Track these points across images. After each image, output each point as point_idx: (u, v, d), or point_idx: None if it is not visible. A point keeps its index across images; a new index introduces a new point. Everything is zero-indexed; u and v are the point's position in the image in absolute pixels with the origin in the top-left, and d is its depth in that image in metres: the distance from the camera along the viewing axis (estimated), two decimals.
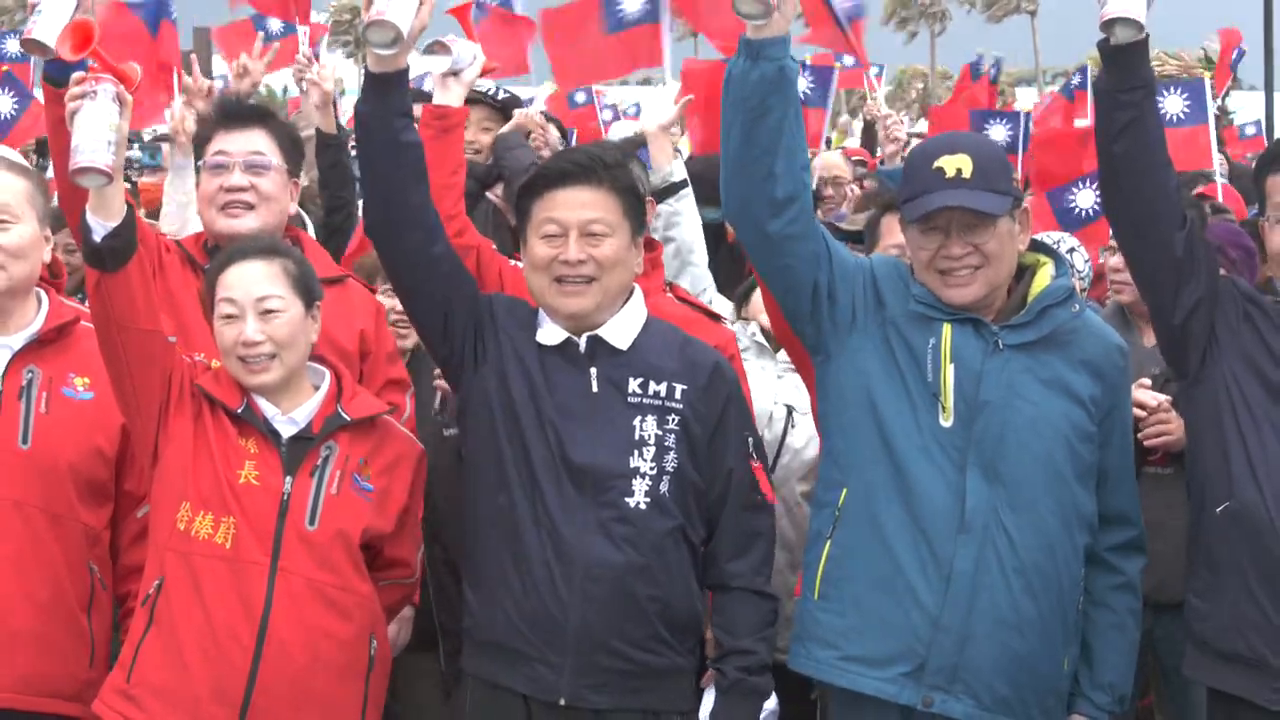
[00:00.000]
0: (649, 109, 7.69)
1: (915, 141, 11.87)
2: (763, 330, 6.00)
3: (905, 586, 4.33)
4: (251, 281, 4.40)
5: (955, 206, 4.31)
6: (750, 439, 4.63)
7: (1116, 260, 5.68)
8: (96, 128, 4.11)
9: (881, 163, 9.32)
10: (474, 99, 8.43)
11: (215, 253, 4.70)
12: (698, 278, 6.46)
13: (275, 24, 13.02)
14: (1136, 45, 4.21)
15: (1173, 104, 10.75)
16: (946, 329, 4.37)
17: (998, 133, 8.76)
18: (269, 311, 4.38)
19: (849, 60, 17.56)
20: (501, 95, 8.78)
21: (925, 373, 4.38)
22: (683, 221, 6.48)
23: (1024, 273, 4.48)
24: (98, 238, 4.15)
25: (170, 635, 4.34)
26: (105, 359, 4.41)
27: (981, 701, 4.32)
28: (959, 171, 4.34)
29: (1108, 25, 4.16)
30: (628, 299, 4.54)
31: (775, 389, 5.73)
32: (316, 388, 4.55)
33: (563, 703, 4.35)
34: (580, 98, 17.55)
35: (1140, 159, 4.36)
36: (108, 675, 4.54)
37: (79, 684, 4.67)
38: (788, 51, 4.22)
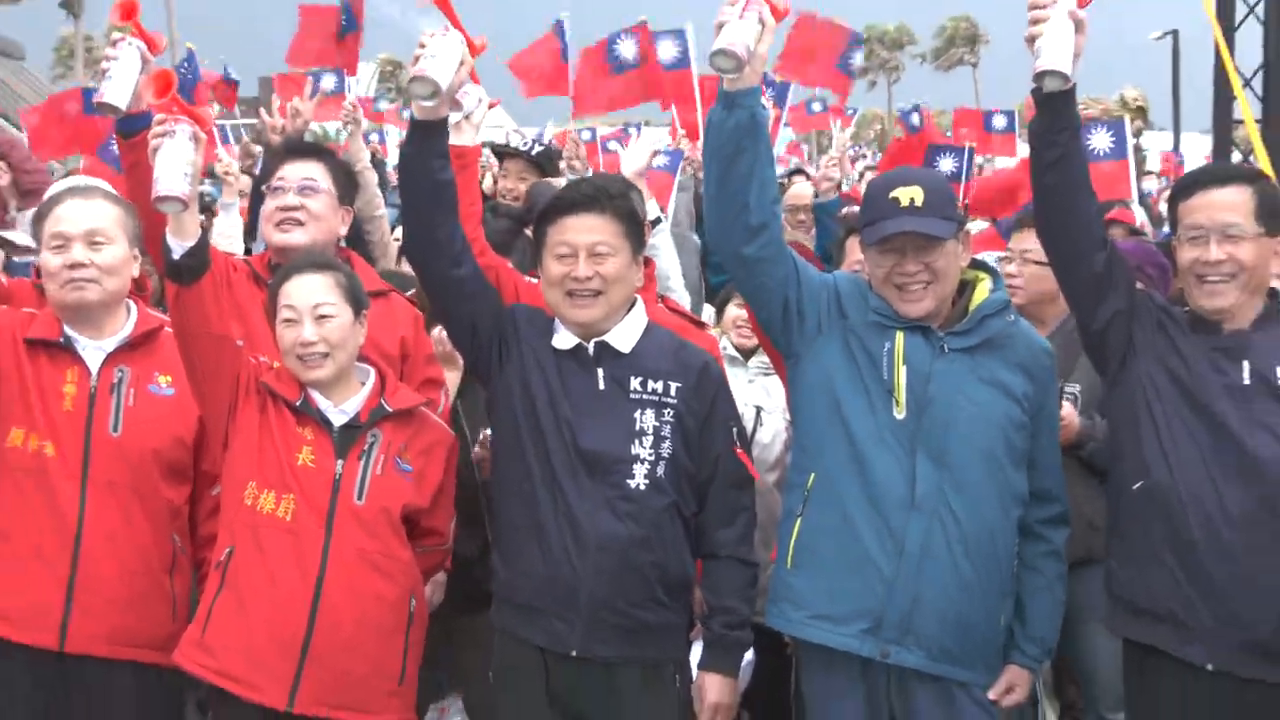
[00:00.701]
0: (627, 158, 7.71)
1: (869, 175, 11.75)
2: (733, 344, 6.03)
3: (865, 556, 4.29)
4: (308, 291, 4.37)
5: (909, 231, 4.28)
6: (735, 428, 4.61)
7: (1011, 268, 5.57)
8: (175, 162, 4.14)
9: (816, 196, 9.26)
10: (514, 154, 8.60)
11: (276, 269, 4.66)
12: (679, 300, 6.44)
13: (329, 80, 12.99)
14: (1064, 94, 4.20)
15: (1099, 140, 10.69)
16: (900, 336, 4.35)
17: (947, 164, 8.65)
18: (323, 317, 4.35)
19: (817, 107, 17.61)
20: (536, 150, 8.73)
21: (881, 372, 4.35)
22: (660, 254, 6.45)
23: (965, 287, 4.46)
24: (176, 256, 4.17)
25: (239, 595, 4.32)
26: (183, 360, 4.41)
27: (930, 653, 4.27)
28: (912, 201, 4.32)
29: (1039, 77, 4.14)
30: (630, 309, 4.51)
31: (745, 393, 5.65)
32: (363, 384, 4.52)
33: (574, 654, 4.33)
34: (585, 135, 17.81)
35: (1066, 190, 4.36)
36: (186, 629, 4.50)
37: (163, 636, 4.57)
38: (758, 100, 4.25)
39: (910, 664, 4.29)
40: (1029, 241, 5.44)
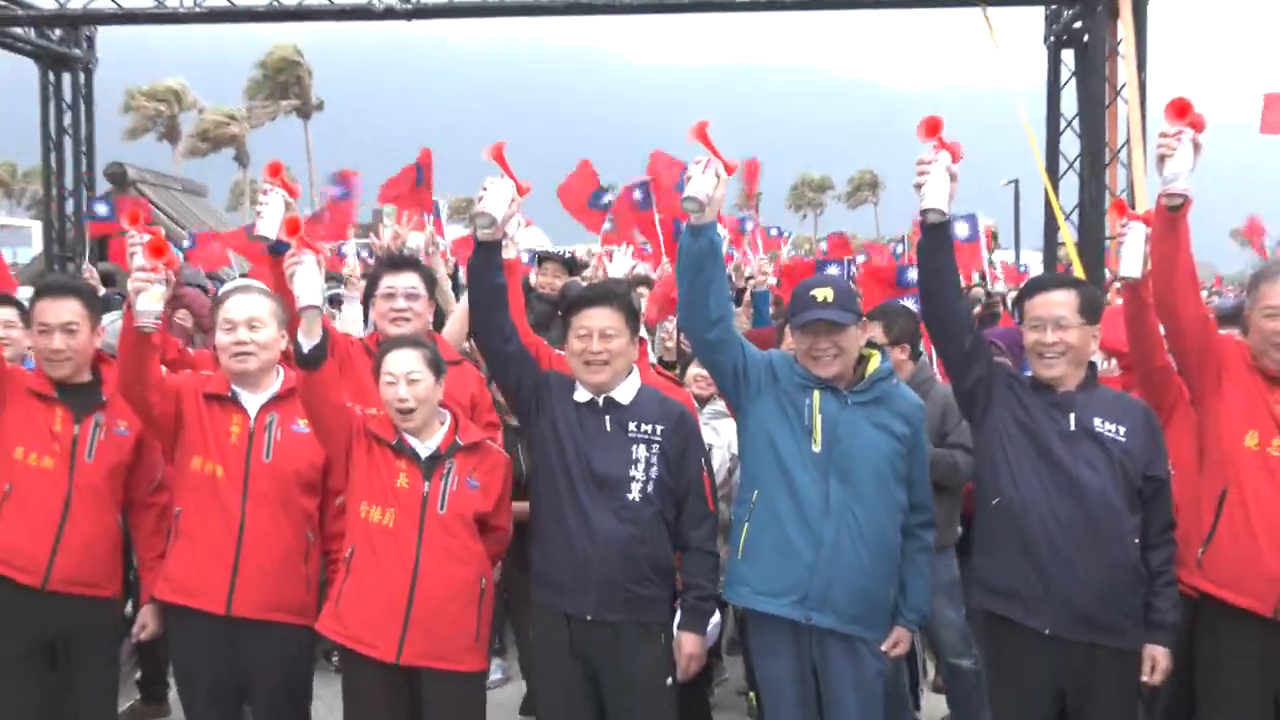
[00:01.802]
0: (612, 269, 8.03)
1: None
2: (692, 394, 5.95)
3: (793, 549, 4.30)
4: (404, 362, 4.37)
5: (823, 319, 4.32)
6: (701, 458, 4.61)
7: None
8: (309, 282, 4.20)
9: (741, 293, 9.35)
10: (551, 258, 8.77)
11: (381, 345, 4.63)
12: None
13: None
14: (943, 224, 4.23)
15: (959, 229, 10.76)
16: (816, 393, 4.38)
17: (834, 269, 8.68)
18: (414, 380, 4.35)
19: (774, 231, 17.53)
20: (567, 256, 8.91)
21: (804, 419, 4.37)
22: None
23: (863, 359, 4.48)
24: (305, 351, 4.20)
25: (360, 581, 4.33)
26: (309, 419, 4.44)
27: (841, 618, 4.29)
28: (825, 298, 4.36)
29: (924, 213, 4.18)
30: (629, 374, 4.53)
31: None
32: (442, 424, 4.50)
33: (590, 618, 4.35)
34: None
35: (944, 291, 4.38)
36: (320, 604, 4.54)
37: (299, 604, 4.57)
38: (716, 231, 4.30)
39: (826, 625, 4.28)
40: None
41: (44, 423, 4.59)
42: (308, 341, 4.19)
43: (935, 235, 4.26)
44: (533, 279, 8.37)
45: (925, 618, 4.69)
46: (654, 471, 4.38)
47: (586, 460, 4.36)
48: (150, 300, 4.30)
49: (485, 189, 4.36)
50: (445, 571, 4.32)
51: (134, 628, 4.77)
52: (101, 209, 11.67)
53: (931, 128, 4.16)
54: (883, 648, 4.40)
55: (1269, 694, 4.19)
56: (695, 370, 6.09)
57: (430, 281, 5.44)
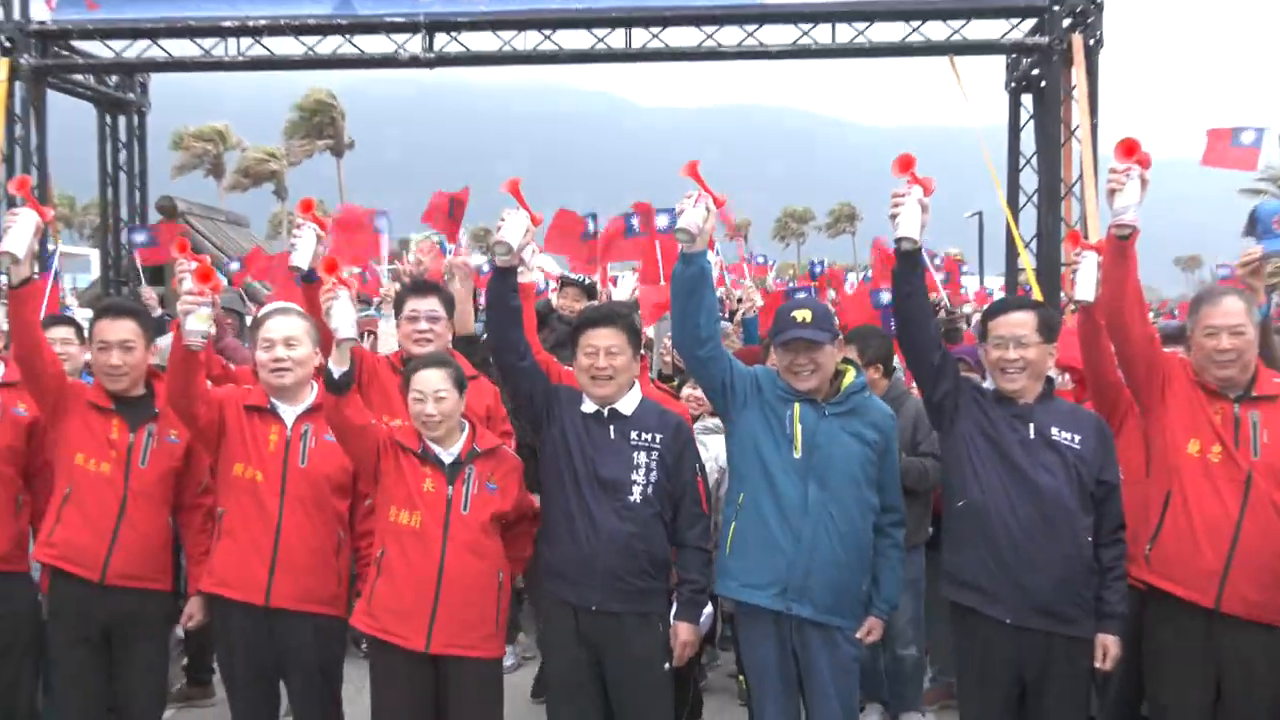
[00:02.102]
0: (616, 293, 8.11)
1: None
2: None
3: (776, 545, 4.30)
4: (431, 380, 4.37)
5: (802, 338, 4.33)
6: (696, 464, 4.61)
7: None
8: (344, 314, 4.20)
9: (734, 314, 9.31)
10: (571, 283, 8.78)
11: (407, 363, 4.64)
12: None
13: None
14: (915, 251, 4.24)
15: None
16: (797, 405, 4.38)
17: (801, 295, 8.62)
18: (440, 398, 4.35)
19: (760, 259, 17.41)
20: (587, 282, 8.81)
21: (785, 428, 4.37)
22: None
23: (839, 374, 4.47)
24: (335, 376, 4.20)
25: (391, 579, 4.32)
26: (336, 435, 4.43)
27: (818, 608, 4.29)
28: (804, 319, 4.38)
29: (898, 241, 4.20)
30: (631, 387, 4.54)
31: None
32: (462, 433, 4.49)
33: (594, 608, 4.34)
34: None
35: (917, 312, 4.39)
36: (350, 596, 4.57)
37: (331, 595, 4.57)
38: (706, 259, 4.32)
39: (805, 615, 4.28)
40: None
41: (102, 432, 4.60)
42: (338, 368, 4.19)
43: (908, 261, 4.25)
44: (554, 302, 8.38)
45: (895, 608, 4.67)
46: (653, 476, 4.38)
47: (593, 465, 4.36)
48: (198, 321, 4.30)
49: (503, 220, 4.38)
50: (468, 567, 4.31)
51: (182, 617, 4.77)
52: (140, 237, 11.50)
53: (904, 164, 4.19)
54: (857, 635, 4.39)
55: (1210, 678, 4.19)
56: (689, 391, 6.08)
57: (450, 304, 5.43)
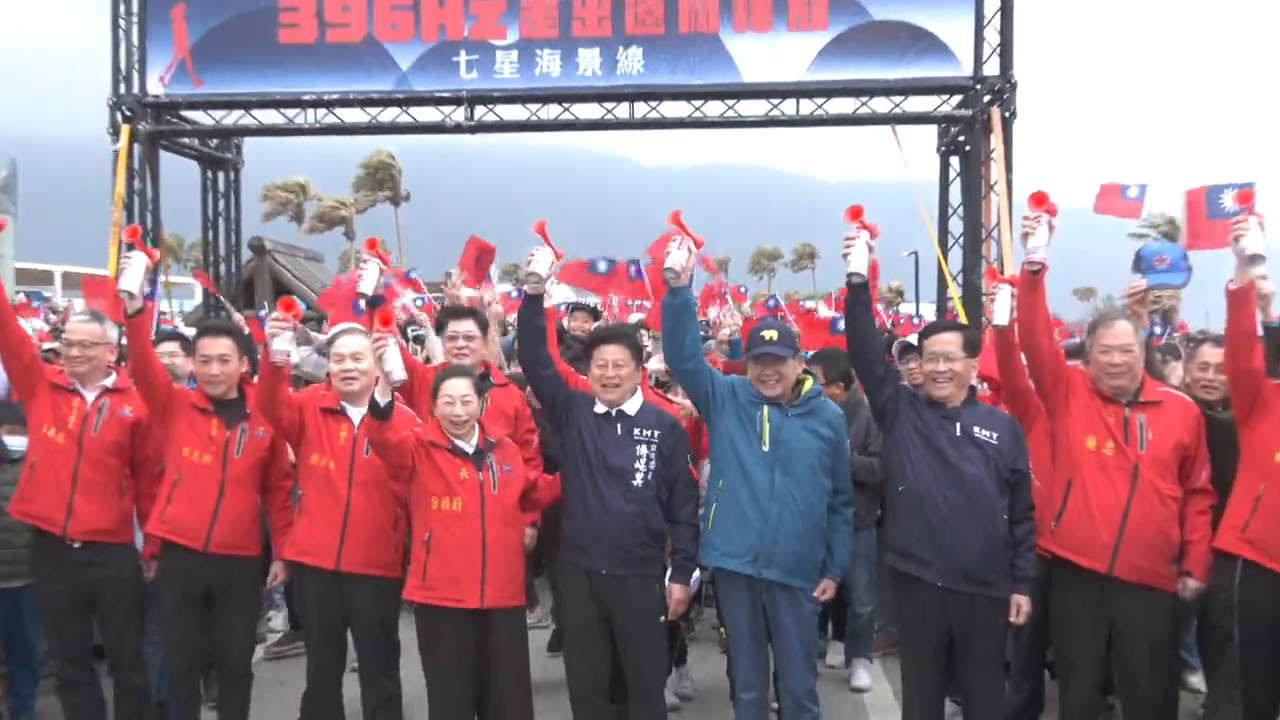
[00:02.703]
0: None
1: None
2: None
3: (748, 522, 4.28)
4: (458, 387, 4.36)
5: (769, 353, 4.32)
6: (687, 455, 4.58)
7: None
8: (394, 361, 4.16)
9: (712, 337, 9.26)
10: (581, 308, 8.78)
11: (438, 374, 4.59)
12: None
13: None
14: (864, 283, 4.22)
15: None
16: (765, 408, 4.35)
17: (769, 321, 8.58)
18: (466, 401, 4.34)
19: (743, 289, 17.25)
20: (594, 306, 8.88)
21: (756, 426, 4.34)
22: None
23: (800, 382, 4.44)
24: (380, 405, 4.16)
25: (440, 554, 4.28)
26: (376, 452, 4.38)
27: (783, 572, 4.28)
28: (772, 338, 4.36)
29: (850, 275, 4.18)
30: (634, 393, 4.51)
31: None
32: (474, 430, 4.44)
33: (604, 573, 4.33)
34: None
35: (865, 332, 4.37)
36: (406, 573, 4.48)
37: (390, 561, 4.56)
38: (689, 293, 4.32)
39: (773, 578, 4.27)
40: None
41: (204, 430, 4.60)
42: (383, 399, 4.16)
43: (858, 293, 4.24)
44: (566, 324, 8.39)
45: (846, 572, 4.64)
46: (652, 464, 4.36)
47: (603, 456, 4.34)
48: (282, 343, 4.30)
49: (533, 255, 4.40)
50: (503, 536, 4.31)
51: (269, 577, 4.78)
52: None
53: (854, 213, 4.19)
54: (815, 594, 4.38)
55: (1103, 630, 4.19)
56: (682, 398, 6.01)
57: (484, 326, 5.41)
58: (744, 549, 4.29)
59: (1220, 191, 6.91)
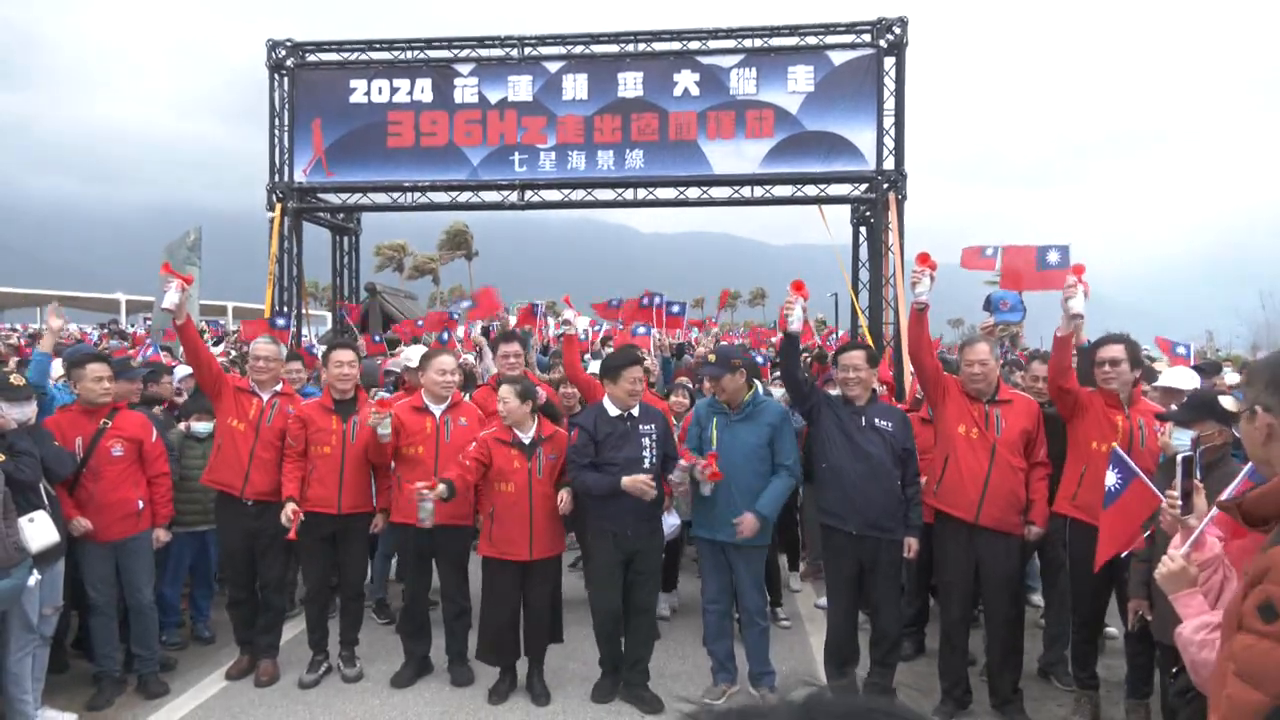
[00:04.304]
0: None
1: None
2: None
3: (706, 504, 4.20)
4: (505, 392, 4.27)
5: (708, 373, 4.25)
6: (674, 436, 4.48)
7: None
8: (427, 510, 4.12)
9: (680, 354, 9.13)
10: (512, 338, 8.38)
11: (500, 383, 4.49)
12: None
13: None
14: (797, 334, 4.15)
15: (795, 318, 10.52)
16: (715, 418, 4.24)
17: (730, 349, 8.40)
18: (507, 403, 4.26)
19: (708, 317, 17.16)
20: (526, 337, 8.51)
21: (708, 433, 4.24)
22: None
23: (742, 389, 4.26)
24: (445, 496, 4.11)
25: (501, 524, 4.21)
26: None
27: (731, 537, 4.15)
28: (711, 359, 4.30)
29: (786, 332, 4.14)
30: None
31: None
32: (534, 423, 4.32)
33: (630, 534, 4.18)
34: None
35: (792, 369, 4.28)
36: (475, 518, 4.40)
37: (464, 514, 4.47)
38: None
39: (726, 540, 4.18)
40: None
41: (326, 425, 4.54)
42: (449, 495, 4.09)
43: (791, 340, 4.18)
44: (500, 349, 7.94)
45: (766, 516, 4.17)
46: (655, 451, 4.24)
47: (619, 448, 4.18)
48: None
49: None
50: (544, 508, 4.22)
51: (373, 525, 4.67)
52: (280, 321, 9.49)
53: (797, 286, 4.10)
54: (735, 522, 4.10)
55: (971, 563, 4.14)
56: (675, 398, 5.83)
57: (527, 346, 5.36)
58: (705, 524, 4.23)
59: (1046, 251, 6.85)
